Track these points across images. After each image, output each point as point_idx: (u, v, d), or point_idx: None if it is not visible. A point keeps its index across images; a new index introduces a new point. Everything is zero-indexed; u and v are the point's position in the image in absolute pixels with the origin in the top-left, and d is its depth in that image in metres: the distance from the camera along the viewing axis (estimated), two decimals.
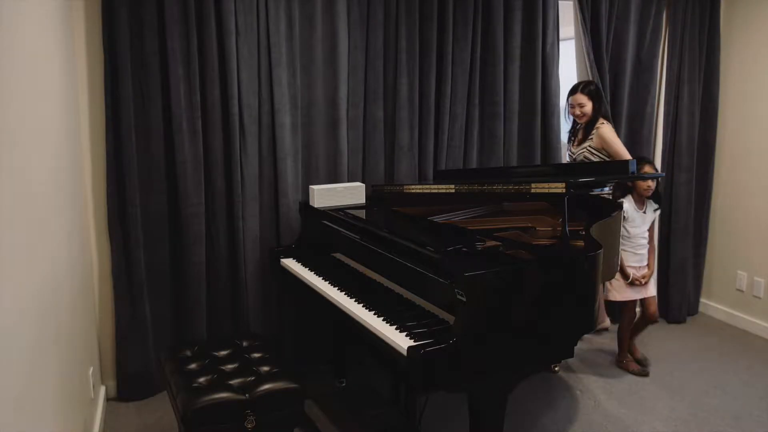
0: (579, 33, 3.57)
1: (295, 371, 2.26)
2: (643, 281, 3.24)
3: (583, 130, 3.39)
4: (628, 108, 3.74)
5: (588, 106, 3.30)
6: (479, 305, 1.87)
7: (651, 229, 3.29)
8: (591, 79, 3.50)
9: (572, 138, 3.51)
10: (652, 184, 3.13)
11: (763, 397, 3.07)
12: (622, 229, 3.01)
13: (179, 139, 2.82)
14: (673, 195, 3.93)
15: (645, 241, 3.25)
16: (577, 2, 3.51)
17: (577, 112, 3.33)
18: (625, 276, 3.22)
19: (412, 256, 2.17)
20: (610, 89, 3.66)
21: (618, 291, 3.28)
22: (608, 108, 3.51)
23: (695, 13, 3.79)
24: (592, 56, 3.55)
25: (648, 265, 3.29)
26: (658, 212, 3.31)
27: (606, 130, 3.28)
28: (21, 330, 1.44)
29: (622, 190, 3.23)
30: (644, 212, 3.22)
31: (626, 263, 3.22)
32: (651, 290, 3.28)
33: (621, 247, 2.97)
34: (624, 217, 3.07)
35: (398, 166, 3.29)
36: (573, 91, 3.34)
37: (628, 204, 3.18)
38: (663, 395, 3.08)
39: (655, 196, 3.25)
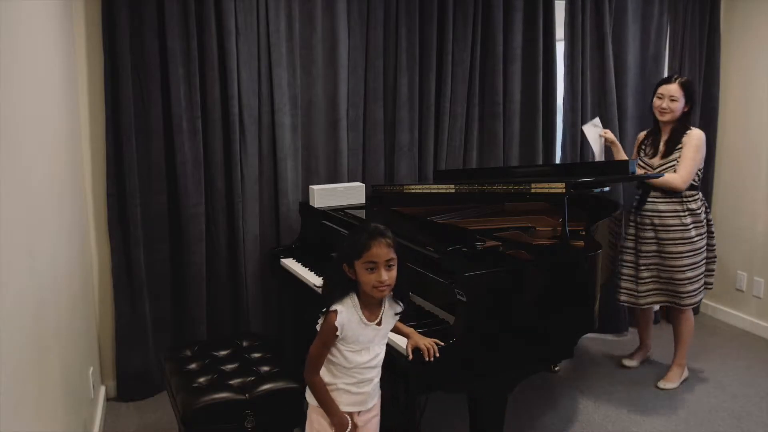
0: (566, 35, 3.50)
1: (295, 371, 2.26)
2: None
3: (667, 141, 3.00)
4: (633, 108, 3.71)
5: (680, 102, 2.92)
6: (479, 305, 1.87)
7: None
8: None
9: (645, 147, 3.12)
10: (387, 276, 1.64)
11: (764, 397, 3.07)
12: (336, 352, 1.71)
13: (179, 139, 2.82)
14: None
15: (375, 374, 1.78)
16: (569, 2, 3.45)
17: (665, 104, 2.93)
18: (339, 425, 1.73)
19: (412, 256, 2.17)
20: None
21: None
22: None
23: (695, 13, 3.79)
24: (568, 60, 3.51)
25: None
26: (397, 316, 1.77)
27: (697, 135, 2.94)
28: (21, 330, 1.44)
29: (340, 288, 1.70)
30: (379, 323, 1.73)
31: (340, 405, 1.74)
32: None
33: (335, 379, 1.73)
34: (336, 335, 1.67)
35: (398, 166, 3.29)
36: (666, 81, 3.00)
37: (347, 314, 1.68)
38: (663, 395, 3.08)
39: (399, 290, 1.73)
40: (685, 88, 2.94)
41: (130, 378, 2.94)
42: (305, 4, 3.00)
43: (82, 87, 2.74)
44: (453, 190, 2.71)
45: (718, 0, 3.86)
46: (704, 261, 3.05)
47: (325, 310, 1.69)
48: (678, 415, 2.89)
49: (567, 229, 2.23)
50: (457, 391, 2.10)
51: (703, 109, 3.94)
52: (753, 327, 3.90)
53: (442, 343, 1.79)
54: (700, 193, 3.06)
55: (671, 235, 2.97)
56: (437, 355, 1.76)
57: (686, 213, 2.97)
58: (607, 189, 3.14)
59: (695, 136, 2.96)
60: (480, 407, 2.02)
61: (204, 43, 2.82)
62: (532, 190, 2.36)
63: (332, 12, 3.04)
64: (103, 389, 2.93)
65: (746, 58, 3.87)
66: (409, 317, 2.07)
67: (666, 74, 3.82)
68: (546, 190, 2.32)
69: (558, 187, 2.26)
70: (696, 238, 2.98)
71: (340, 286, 1.70)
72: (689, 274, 2.98)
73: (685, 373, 3.21)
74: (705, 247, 3.04)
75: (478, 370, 1.93)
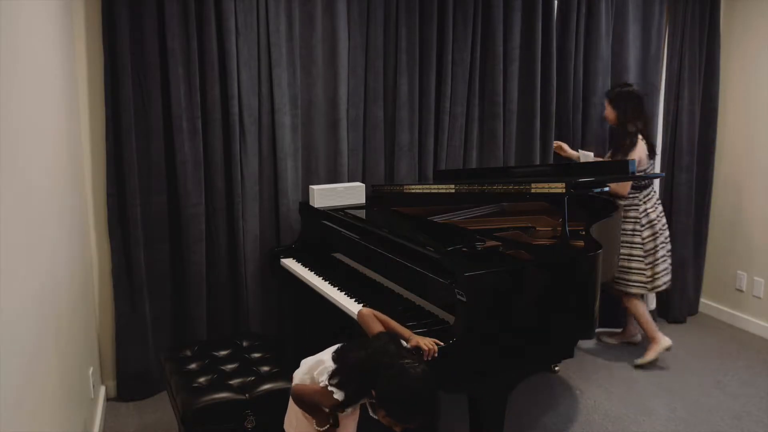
0: (559, 35, 3.52)
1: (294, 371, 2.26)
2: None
3: (617, 138, 3.33)
4: None
5: (607, 110, 3.35)
6: (479, 305, 1.87)
7: None
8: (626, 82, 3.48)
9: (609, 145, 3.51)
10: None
11: (763, 397, 3.07)
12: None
13: (179, 139, 2.82)
14: (673, 195, 3.92)
15: None
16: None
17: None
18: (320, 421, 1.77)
19: (412, 256, 2.17)
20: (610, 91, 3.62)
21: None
22: (645, 123, 3.30)
23: (695, 13, 3.78)
24: (561, 60, 3.52)
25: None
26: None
27: (638, 148, 3.20)
28: (21, 330, 1.44)
29: (359, 397, 1.68)
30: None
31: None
32: None
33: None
34: None
35: (398, 166, 3.29)
36: None
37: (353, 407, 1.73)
38: (663, 395, 3.08)
39: None
40: (608, 96, 3.35)
41: (130, 378, 2.94)
42: (305, 4, 3.00)
43: (82, 87, 2.74)
44: (453, 190, 2.71)
45: (718, 0, 3.86)
46: (641, 257, 3.29)
47: (337, 397, 1.65)
48: (678, 415, 2.89)
49: (567, 229, 2.23)
50: (457, 391, 2.11)
51: (703, 109, 3.93)
52: (753, 327, 3.90)
53: (442, 343, 1.79)
54: (654, 194, 3.34)
55: (624, 226, 3.32)
56: (437, 355, 1.76)
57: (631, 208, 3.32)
58: (606, 189, 3.17)
59: (638, 148, 3.21)
60: (480, 407, 2.03)
61: (204, 43, 2.81)
62: (532, 190, 2.37)
63: (332, 12, 3.04)
64: (103, 389, 2.93)
65: (746, 58, 3.87)
66: (409, 317, 2.08)
67: (665, 74, 3.83)
68: (546, 190, 2.32)
69: (558, 187, 2.26)
70: (629, 232, 3.29)
71: (360, 395, 1.68)
72: (622, 263, 3.30)
73: (664, 343, 3.34)
74: (642, 245, 3.29)
75: (478, 369, 1.93)
